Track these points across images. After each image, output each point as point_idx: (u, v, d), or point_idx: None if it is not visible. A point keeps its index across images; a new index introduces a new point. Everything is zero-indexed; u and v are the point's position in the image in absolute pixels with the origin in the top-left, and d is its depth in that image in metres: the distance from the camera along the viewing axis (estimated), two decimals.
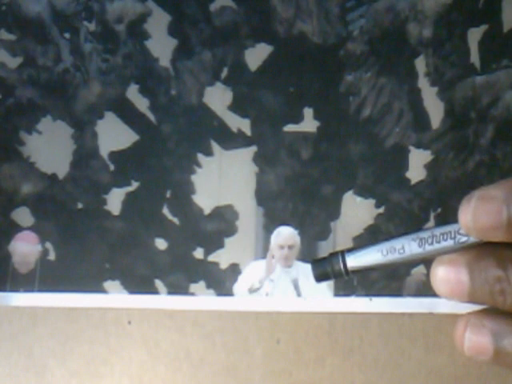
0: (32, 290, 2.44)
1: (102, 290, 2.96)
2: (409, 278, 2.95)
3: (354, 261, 0.30)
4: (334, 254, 0.31)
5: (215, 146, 3.20)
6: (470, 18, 3.04)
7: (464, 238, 0.28)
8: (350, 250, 0.30)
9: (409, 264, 0.30)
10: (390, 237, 0.30)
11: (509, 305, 0.27)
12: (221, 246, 3.23)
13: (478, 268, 0.27)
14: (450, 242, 0.28)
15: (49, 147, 3.11)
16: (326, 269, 0.31)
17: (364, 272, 0.31)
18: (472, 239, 0.28)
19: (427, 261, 0.29)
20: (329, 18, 3.14)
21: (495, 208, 0.26)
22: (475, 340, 0.28)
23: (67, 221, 3.08)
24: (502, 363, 0.28)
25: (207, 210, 3.20)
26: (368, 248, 0.30)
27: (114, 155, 3.14)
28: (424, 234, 0.29)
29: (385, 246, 0.29)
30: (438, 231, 0.29)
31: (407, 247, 0.29)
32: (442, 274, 0.28)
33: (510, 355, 0.28)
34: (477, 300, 0.27)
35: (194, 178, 3.18)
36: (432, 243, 0.29)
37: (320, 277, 0.32)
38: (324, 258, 0.31)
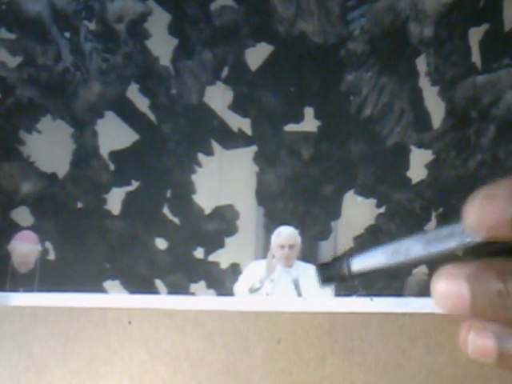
0: (32, 290, 2.43)
1: (102, 290, 2.96)
2: (410, 278, 2.95)
3: (359, 264, 0.30)
4: (338, 258, 0.31)
5: (216, 146, 3.20)
6: (470, 18, 3.04)
7: (468, 239, 0.28)
8: (354, 254, 0.30)
9: (414, 265, 0.29)
10: (394, 239, 0.29)
11: (511, 319, 0.26)
12: (221, 245, 3.23)
13: (479, 281, 0.27)
14: (454, 243, 0.28)
15: (49, 146, 3.11)
16: (332, 273, 0.31)
17: (369, 274, 0.30)
18: (477, 239, 0.27)
19: (432, 262, 0.29)
20: (329, 18, 3.14)
21: (500, 206, 0.26)
22: (479, 343, 0.28)
23: (67, 220, 3.08)
24: (506, 366, 0.28)
25: (208, 210, 3.20)
26: (372, 251, 0.29)
27: (114, 155, 3.14)
28: (428, 236, 0.28)
29: (389, 249, 0.29)
30: (442, 232, 0.28)
31: (412, 249, 0.29)
32: (443, 290, 0.27)
33: None
34: (479, 314, 0.27)
35: (194, 177, 3.18)
36: (436, 244, 0.28)
37: (325, 281, 0.31)
38: (329, 263, 0.31)
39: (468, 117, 3.12)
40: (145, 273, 3.17)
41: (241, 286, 2.71)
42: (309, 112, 3.21)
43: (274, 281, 2.65)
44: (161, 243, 3.19)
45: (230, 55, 3.22)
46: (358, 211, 3.19)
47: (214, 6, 3.23)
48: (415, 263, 0.30)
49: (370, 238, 3.05)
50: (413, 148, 3.19)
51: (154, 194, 3.19)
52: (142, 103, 3.19)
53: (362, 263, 0.30)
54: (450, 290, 0.28)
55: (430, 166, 3.16)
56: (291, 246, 2.68)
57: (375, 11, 3.11)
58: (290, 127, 3.24)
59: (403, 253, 0.30)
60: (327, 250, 3.16)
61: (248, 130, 3.24)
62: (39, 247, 2.60)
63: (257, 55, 3.24)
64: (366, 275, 0.31)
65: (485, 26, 3.06)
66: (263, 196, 3.24)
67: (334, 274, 0.31)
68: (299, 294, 2.53)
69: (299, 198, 3.21)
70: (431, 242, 0.29)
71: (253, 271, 2.74)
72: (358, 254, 0.31)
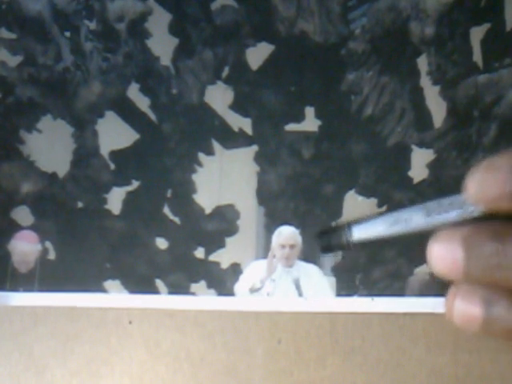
0: (32, 290, 2.43)
1: (103, 290, 2.96)
2: (412, 278, 2.94)
3: (360, 232, 0.30)
4: (339, 226, 0.30)
5: (216, 145, 3.20)
6: (472, 17, 3.04)
7: (471, 208, 0.27)
8: (355, 222, 0.30)
9: (414, 235, 0.29)
10: (396, 208, 0.29)
11: (505, 280, 0.26)
12: (222, 245, 3.23)
13: (474, 243, 0.26)
14: (456, 213, 0.28)
15: (49, 146, 3.11)
16: (331, 241, 0.30)
17: (370, 243, 0.30)
18: (477, 211, 0.27)
19: (432, 232, 0.28)
20: (330, 17, 3.14)
21: (501, 178, 0.26)
22: (464, 308, 0.27)
23: (67, 220, 3.08)
24: (491, 333, 0.27)
25: (208, 210, 3.19)
26: (374, 219, 0.29)
27: (114, 154, 3.14)
28: (431, 205, 0.28)
29: (391, 217, 0.29)
30: (445, 202, 0.28)
31: (413, 218, 0.29)
32: (437, 252, 0.27)
33: (499, 324, 0.27)
34: (473, 277, 0.27)
35: (194, 177, 3.18)
36: (439, 213, 0.28)
37: (325, 249, 0.31)
38: (330, 230, 0.31)
39: (469, 116, 3.12)
40: (145, 273, 3.17)
41: (241, 285, 2.71)
42: (310, 111, 3.21)
43: (275, 281, 2.65)
44: (161, 243, 3.19)
45: (230, 55, 3.22)
46: (358, 211, 3.19)
47: (214, 6, 3.23)
48: (417, 233, 0.30)
49: None
50: (414, 147, 3.19)
51: (155, 194, 3.19)
52: (142, 103, 3.19)
53: (362, 232, 0.30)
54: (444, 252, 0.28)
55: (432, 166, 3.16)
56: (292, 246, 2.67)
57: (376, 10, 3.11)
58: (291, 127, 3.24)
59: (404, 222, 0.29)
60: None
61: (249, 130, 3.24)
62: (39, 247, 2.60)
63: (257, 55, 3.24)
64: (366, 244, 0.31)
65: (486, 26, 3.06)
66: (264, 196, 3.24)
67: (334, 243, 0.31)
68: (300, 294, 2.52)
69: (300, 198, 3.21)
70: (432, 212, 0.29)
71: (253, 271, 2.74)
72: (358, 223, 0.30)
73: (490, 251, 0.26)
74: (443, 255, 0.27)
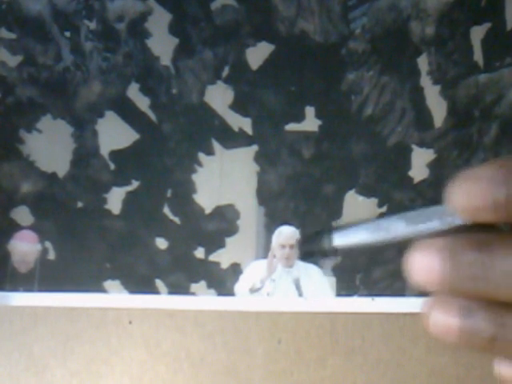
0: (32, 290, 2.43)
1: (102, 290, 2.95)
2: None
3: (341, 240, 0.30)
4: (320, 233, 0.31)
5: (216, 145, 3.20)
6: (472, 17, 3.04)
7: (451, 219, 0.28)
8: (336, 229, 0.31)
9: (396, 244, 0.29)
10: (378, 217, 0.29)
11: (483, 291, 0.26)
12: (222, 245, 3.23)
13: (453, 253, 0.26)
14: (437, 223, 0.28)
15: (49, 146, 3.11)
16: (313, 247, 0.31)
17: (351, 250, 0.31)
18: (459, 221, 0.27)
19: (414, 241, 0.29)
20: (330, 17, 3.14)
21: (483, 189, 0.26)
22: (441, 318, 0.27)
23: (67, 220, 3.08)
24: (468, 344, 0.27)
25: (208, 210, 3.19)
26: (355, 227, 0.30)
27: (114, 154, 3.14)
28: (411, 214, 0.29)
29: (372, 225, 0.29)
30: (426, 211, 0.28)
31: (394, 226, 0.29)
32: (417, 261, 0.27)
33: (476, 335, 0.27)
34: (451, 287, 0.27)
35: (194, 177, 3.18)
36: (419, 223, 0.28)
37: (307, 255, 0.32)
38: (311, 236, 0.31)
39: (470, 116, 3.12)
40: (145, 273, 3.16)
41: (241, 285, 2.71)
42: (310, 111, 3.21)
43: (275, 281, 2.65)
44: (161, 243, 3.19)
45: (230, 54, 3.22)
46: (359, 211, 3.19)
47: (214, 6, 3.23)
48: (398, 241, 0.30)
49: None
50: (414, 147, 3.19)
51: (155, 194, 3.19)
52: (142, 103, 3.19)
53: (343, 239, 0.31)
54: (423, 262, 0.28)
55: (432, 166, 3.16)
56: (292, 246, 2.67)
57: (376, 10, 3.11)
58: (291, 127, 3.24)
59: (385, 230, 0.30)
60: None
61: (249, 130, 3.24)
62: (39, 247, 2.59)
63: (257, 54, 3.24)
64: (348, 250, 0.31)
65: (487, 25, 3.06)
66: (264, 195, 3.24)
67: (316, 249, 0.31)
68: (300, 294, 2.52)
69: (300, 198, 3.21)
70: (414, 221, 0.29)
71: (253, 271, 2.73)
72: (340, 229, 0.31)
73: (470, 262, 0.26)
74: (422, 265, 0.27)
